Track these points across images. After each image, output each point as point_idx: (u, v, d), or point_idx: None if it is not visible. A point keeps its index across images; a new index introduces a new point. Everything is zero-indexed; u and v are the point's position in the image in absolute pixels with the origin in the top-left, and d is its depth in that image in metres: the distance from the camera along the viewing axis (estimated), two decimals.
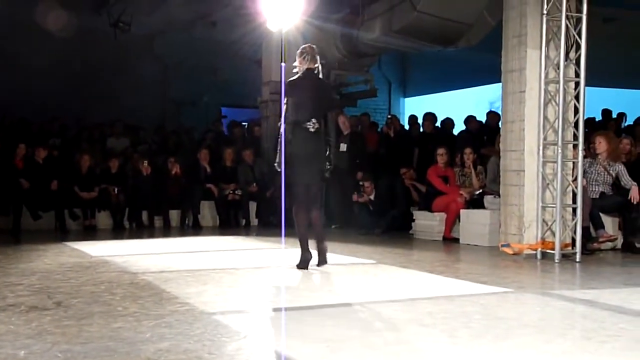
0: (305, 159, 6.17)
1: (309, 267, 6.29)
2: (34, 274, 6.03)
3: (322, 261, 6.33)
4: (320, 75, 6.39)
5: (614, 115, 13.31)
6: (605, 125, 11.81)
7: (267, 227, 11.32)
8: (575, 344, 3.68)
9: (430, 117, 12.57)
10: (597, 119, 13.10)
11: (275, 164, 6.31)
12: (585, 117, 7.80)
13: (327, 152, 6.25)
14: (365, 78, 14.08)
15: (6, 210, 10.70)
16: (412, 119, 13.68)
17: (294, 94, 6.20)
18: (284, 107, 6.25)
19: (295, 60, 6.37)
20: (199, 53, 15.32)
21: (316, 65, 6.27)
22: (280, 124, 6.27)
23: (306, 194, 6.25)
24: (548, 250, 7.36)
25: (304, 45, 6.46)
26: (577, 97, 7.52)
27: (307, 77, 6.25)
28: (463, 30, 11.15)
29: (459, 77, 16.17)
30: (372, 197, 10.78)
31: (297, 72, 6.32)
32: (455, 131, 12.70)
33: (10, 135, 12.11)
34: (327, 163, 6.27)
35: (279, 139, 6.25)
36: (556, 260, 7.17)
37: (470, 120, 12.26)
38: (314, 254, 6.31)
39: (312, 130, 6.13)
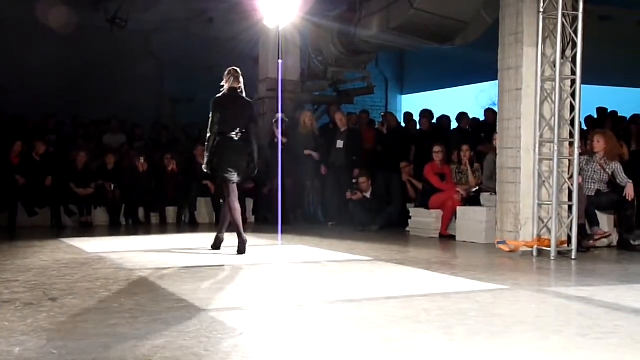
0: (229, 162, 7.21)
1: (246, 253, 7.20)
2: (29, 270, 6.02)
3: (215, 246, 7.47)
4: (244, 94, 7.41)
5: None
6: (603, 124, 11.83)
7: (264, 224, 11.33)
8: (571, 340, 3.69)
9: (426, 114, 12.57)
10: (594, 117, 13.10)
11: (204, 167, 7.36)
12: (582, 115, 7.81)
13: (249, 157, 7.31)
14: (363, 75, 14.09)
15: (2, 206, 10.68)
16: (408, 116, 13.68)
17: (220, 110, 7.25)
18: (211, 120, 7.27)
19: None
20: (195, 50, 15.29)
21: (239, 85, 7.34)
22: (209, 134, 7.29)
23: (232, 190, 7.32)
24: (544, 248, 7.37)
25: (229, 68, 7.43)
26: (573, 95, 7.52)
27: (231, 95, 7.31)
28: (460, 28, 11.17)
29: (456, 75, 16.19)
30: (368, 194, 10.79)
31: (222, 91, 7.37)
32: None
33: (6, 131, 12.08)
34: (250, 165, 7.34)
35: (207, 145, 7.31)
36: (552, 258, 7.18)
37: (461, 118, 12.27)
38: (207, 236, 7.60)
39: (236, 139, 7.21)
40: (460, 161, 9.98)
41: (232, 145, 7.20)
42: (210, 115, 7.27)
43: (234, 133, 7.19)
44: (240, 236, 7.23)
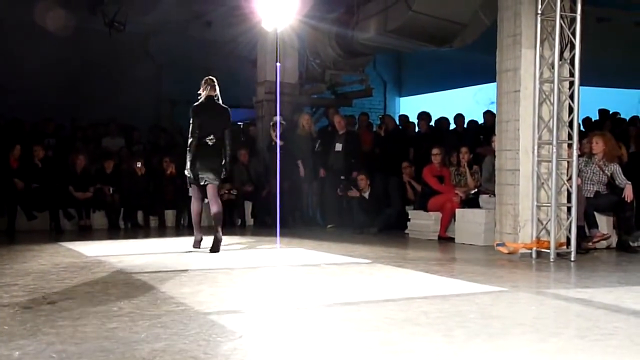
0: (204, 165, 7.70)
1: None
2: (28, 274, 6.01)
3: (214, 249, 7.70)
4: (220, 101, 7.88)
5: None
6: (602, 125, 11.84)
7: (262, 226, 11.33)
8: (570, 342, 3.69)
9: (424, 116, 12.58)
10: (592, 119, 13.13)
11: (186, 171, 7.81)
12: (580, 117, 7.81)
13: (223, 161, 7.80)
14: (361, 78, 14.08)
15: (1, 210, 10.67)
16: (404, 118, 13.70)
17: (198, 116, 7.74)
18: (191, 127, 7.72)
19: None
20: (193, 53, 15.29)
21: (215, 93, 7.85)
22: (190, 139, 7.75)
23: (201, 192, 7.90)
24: (543, 250, 7.38)
25: (205, 77, 7.94)
26: (571, 97, 7.53)
27: (208, 102, 7.81)
28: (458, 30, 11.16)
29: (454, 77, 16.20)
30: (367, 194, 10.79)
31: (200, 98, 7.83)
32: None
33: (4, 135, 12.07)
34: (223, 169, 7.85)
35: (188, 150, 7.74)
36: (551, 259, 7.19)
37: (458, 119, 12.27)
38: (209, 238, 7.85)
39: (211, 144, 7.71)
40: (459, 163, 9.99)
41: (206, 151, 7.70)
42: (191, 122, 7.74)
43: (208, 139, 7.70)
44: (197, 234, 8.00)
